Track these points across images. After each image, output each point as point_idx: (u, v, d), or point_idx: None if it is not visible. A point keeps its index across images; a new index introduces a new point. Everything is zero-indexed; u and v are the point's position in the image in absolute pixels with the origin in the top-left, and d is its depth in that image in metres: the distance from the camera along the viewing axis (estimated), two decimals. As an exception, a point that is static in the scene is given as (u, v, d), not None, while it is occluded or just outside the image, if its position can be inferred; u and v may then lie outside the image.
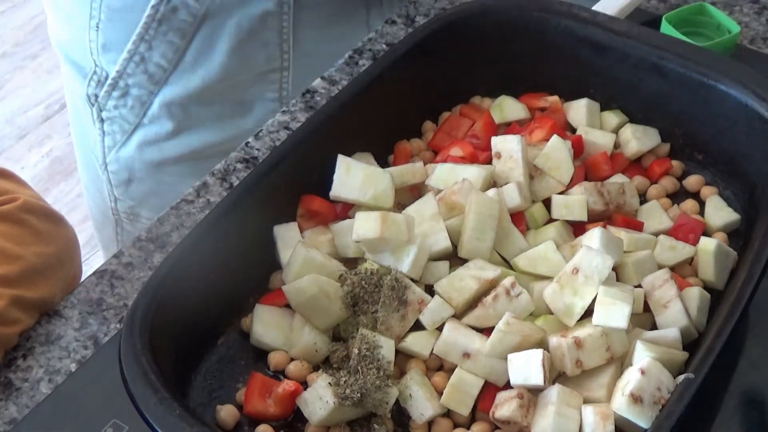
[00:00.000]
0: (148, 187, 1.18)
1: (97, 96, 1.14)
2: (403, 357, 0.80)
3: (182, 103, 1.12)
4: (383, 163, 0.92)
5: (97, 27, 1.11)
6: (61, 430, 0.80)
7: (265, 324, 0.81)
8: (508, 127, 0.96)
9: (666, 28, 1.05)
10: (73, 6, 1.12)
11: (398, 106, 0.94)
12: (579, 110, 0.96)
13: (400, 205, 0.87)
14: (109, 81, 1.12)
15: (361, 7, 1.14)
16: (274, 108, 1.14)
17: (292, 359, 0.80)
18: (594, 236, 0.81)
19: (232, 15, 1.08)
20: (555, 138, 0.89)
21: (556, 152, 0.89)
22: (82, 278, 0.96)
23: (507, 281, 0.79)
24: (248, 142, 1.01)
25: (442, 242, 0.83)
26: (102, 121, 1.15)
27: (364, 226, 0.80)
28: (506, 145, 0.88)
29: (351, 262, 0.84)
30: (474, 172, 0.86)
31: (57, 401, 0.82)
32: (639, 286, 0.81)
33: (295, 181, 0.87)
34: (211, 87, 1.11)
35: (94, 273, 0.90)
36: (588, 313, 0.77)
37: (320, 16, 1.12)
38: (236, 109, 1.14)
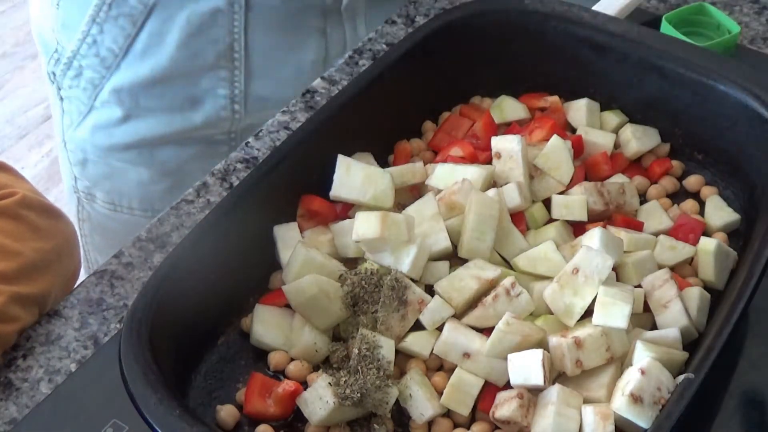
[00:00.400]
0: (101, 170, 1.20)
1: (55, 74, 1.16)
2: (403, 357, 0.80)
3: (131, 91, 1.13)
4: (383, 163, 0.92)
5: (57, 5, 1.13)
6: (61, 430, 0.80)
7: (265, 324, 0.81)
8: (508, 127, 0.96)
9: (666, 28, 1.05)
10: None
11: (398, 106, 0.94)
12: (579, 110, 0.96)
13: (400, 205, 0.87)
14: (64, 60, 1.14)
15: (317, 17, 1.14)
16: (225, 105, 1.15)
17: (292, 359, 0.80)
18: (594, 236, 0.81)
19: (182, 8, 1.08)
20: (555, 138, 0.89)
21: (556, 152, 0.89)
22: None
23: (507, 281, 0.79)
24: (248, 142, 1.01)
25: (442, 242, 0.83)
26: (61, 99, 1.17)
27: (364, 226, 0.80)
28: (506, 145, 0.88)
29: (351, 262, 0.84)
30: (474, 172, 0.86)
31: (57, 401, 0.81)
32: (639, 286, 0.81)
33: (295, 181, 0.87)
34: (160, 77, 1.12)
35: (94, 273, 0.90)
36: (588, 313, 0.77)
37: (273, 20, 1.12)
38: (186, 103, 1.15)
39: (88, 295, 0.89)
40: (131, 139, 1.16)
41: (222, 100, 1.14)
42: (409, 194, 0.89)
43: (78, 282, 0.92)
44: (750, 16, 1.14)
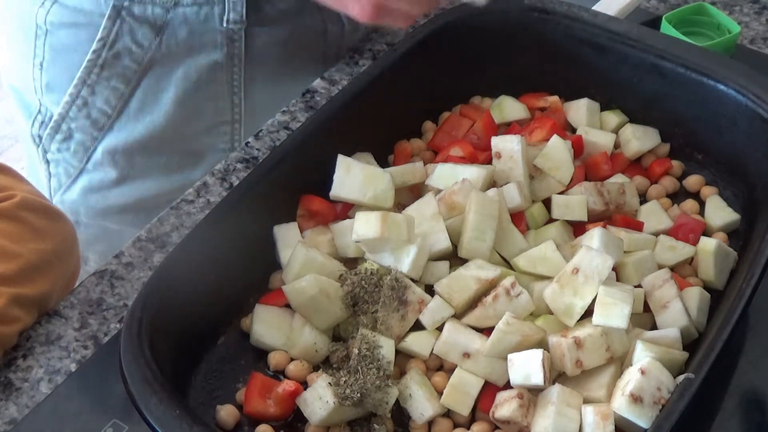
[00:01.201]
0: (93, 232, 1.14)
1: (41, 137, 1.10)
2: (403, 357, 0.80)
3: (126, 152, 1.08)
4: (383, 163, 0.92)
5: (41, 66, 1.07)
6: (61, 430, 0.80)
7: (265, 324, 0.81)
8: (508, 127, 0.96)
9: (666, 28, 1.05)
10: (19, 41, 1.08)
11: (398, 106, 0.94)
12: (579, 110, 0.96)
13: (400, 205, 0.87)
14: (51, 123, 1.09)
15: (318, 62, 1.11)
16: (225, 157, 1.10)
17: (292, 359, 0.80)
18: (594, 236, 0.81)
19: (179, 64, 1.04)
20: (555, 138, 0.89)
21: (556, 152, 0.89)
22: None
23: (507, 281, 0.79)
24: (248, 142, 1.01)
25: (442, 242, 0.83)
26: (48, 162, 1.12)
27: (364, 226, 0.80)
28: (506, 145, 0.88)
29: (351, 262, 0.84)
30: (474, 172, 0.86)
31: (57, 401, 0.81)
32: (639, 286, 0.81)
33: (295, 181, 0.87)
34: (156, 136, 1.07)
35: (94, 273, 0.90)
36: (588, 313, 0.77)
37: (274, 70, 1.08)
38: (185, 160, 1.10)
39: (88, 295, 0.89)
40: (127, 201, 1.11)
41: (222, 154, 1.09)
42: (409, 194, 0.89)
43: (78, 282, 0.92)
44: (750, 16, 1.14)
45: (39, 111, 1.09)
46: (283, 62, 1.08)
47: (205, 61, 1.05)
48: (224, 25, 1.03)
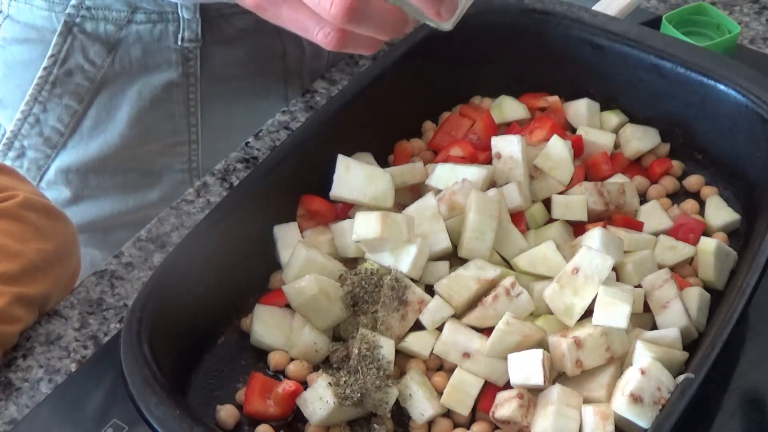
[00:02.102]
0: None
1: None
2: (403, 357, 0.79)
3: (80, 171, 1.06)
4: (383, 163, 0.92)
5: None
6: (61, 430, 0.80)
7: (265, 324, 0.81)
8: (508, 127, 0.95)
9: (666, 28, 1.05)
10: None
11: (398, 106, 0.94)
12: (579, 110, 0.96)
13: (400, 205, 0.87)
14: (3, 140, 1.07)
15: (279, 82, 1.09)
16: (183, 179, 1.08)
17: (292, 359, 0.80)
18: (594, 236, 0.81)
19: (133, 83, 1.02)
20: (555, 138, 0.89)
21: (556, 152, 0.89)
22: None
23: (507, 281, 0.79)
24: (248, 142, 1.01)
25: (442, 242, 0.83)
26: None
27: (364, 226, 0.80)
28: (506, 145, 0.88)
29: (351, 262, 0.84)
30: (474, 172, 0.86)
31: (57, 401, 0.81)
32: (639, 286, 0.81)
33: (295, 181, 0.87)
34: (111, 156, 1.05)
35: (94, 273, 0.90)
36: (588, 313, 0.77)
37: (232, 90, 1.06)
38: (141, 180, 1.08)
39: (88, 295, 0.89)
40: (81, 222, 1.06)
41: (179, 174, 1.08)
42: (409, 194, 0.89)
43: (78, 282, 0.92)
44: (750, 16, 1.14)
45: None
46: (243, 83, 1.06)
47: (159, 80, 1.03)
48: (179, 43, 1.01)
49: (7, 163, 1.07)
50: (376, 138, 0.93)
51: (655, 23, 1.08)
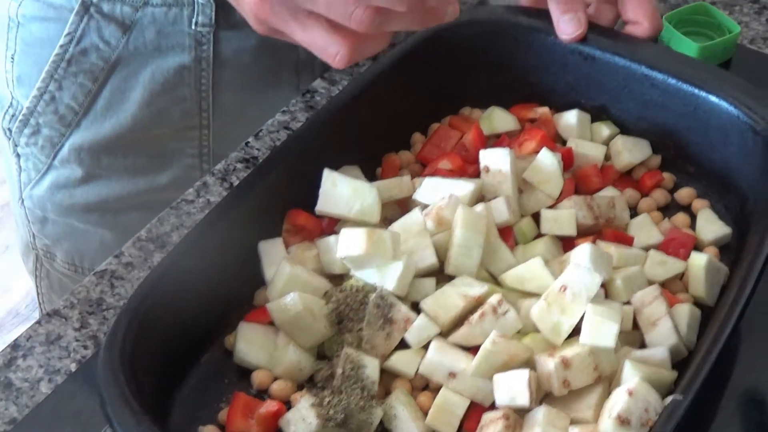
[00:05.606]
0: (61, 230, 1.13)
1: (11, 130, 1.10)
2: (388, 376, 0.78)
3: (92, 150, 1.08)
4: (372, 176, 0.91)
5: (12, 59, 1.07)
6: (61, 430, 0.80)
7: (249, 342, 0.80)
8: (497, 139, 0.94)
9: (666, 28, 1.04)
10: None
11: (387, 118, 0.93)
12: (569, 121, 0.95)
13: (387, 219, 0.86)
14: (20, 117, 1.08)
15: (291, 72, 1.09)
16: (193, 164, 1.10)
17: (276, 378, 0.79)
18: (583, 252, 0.80)
19: (146, 64, 1.03)
20: (544, 151, 0.88)
21: (546, 166, 0.88)
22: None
23: (494, 299, 0.78)
24: (248, 142, 1.00)
25: (429, 258, 0.81)
26: (18, 156, 1.12)
27: (349, 242, 0.79)
28: (495, 158, 0.87)
29: (337, 279, 0.83)
30: (462, 187, 0.85)
31: (57, 401, 0.81)
32: (628, 302, 0.80)
33: (281, 195, 0.86)
34: (122, 137, 1.07)
35: (94, 273, 0.90)
36: (576, 331, 0.76)
37: (244, 78, 1.07)
38: (151, 163, 1.09)
39: (88, 295, 0.88)
40: (92, 201, 1.10)
41: (190, 159, 1.09)
42: (396, 208, 0.88)
43: (78, 283, 0.91)
44: (750, 16, 1.13)
45: (10, 104, 1.10)
46: (254, 70, 1.07)
47: (172, 63, 1.04)
48: (192, 27, 1.02)
49: (23, 140, 1.09)
50: (365, 150, 0.92)
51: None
